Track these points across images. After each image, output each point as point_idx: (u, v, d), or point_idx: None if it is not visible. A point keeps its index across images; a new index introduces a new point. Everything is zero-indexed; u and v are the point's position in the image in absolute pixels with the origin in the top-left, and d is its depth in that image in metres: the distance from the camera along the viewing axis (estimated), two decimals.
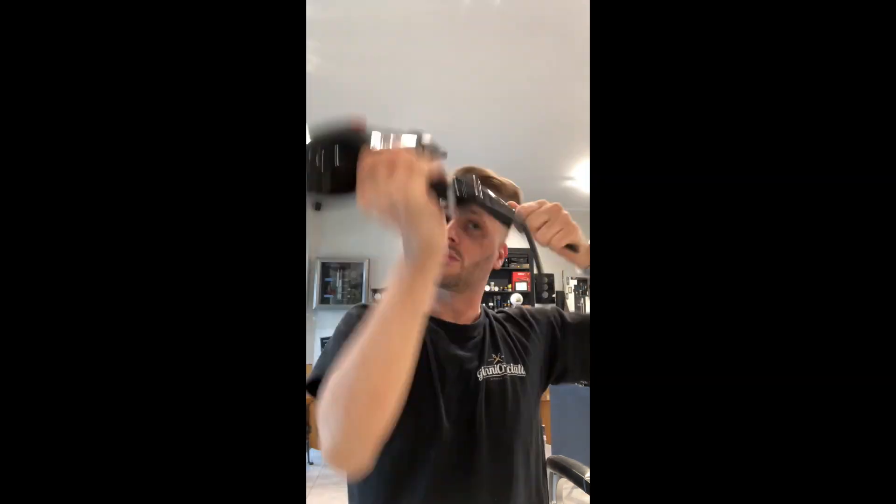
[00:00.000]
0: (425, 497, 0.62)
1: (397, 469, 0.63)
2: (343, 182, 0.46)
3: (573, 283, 5.10)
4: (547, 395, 3.26)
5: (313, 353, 4.29)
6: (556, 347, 0.80)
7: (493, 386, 0.71)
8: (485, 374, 0.71)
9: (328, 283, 4.65)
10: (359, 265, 4.70)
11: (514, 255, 5.08)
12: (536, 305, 0.89)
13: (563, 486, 2.88)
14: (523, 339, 0.79)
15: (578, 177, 4.23)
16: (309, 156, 0.45)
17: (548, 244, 0.69)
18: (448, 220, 0.69)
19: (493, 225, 0.71)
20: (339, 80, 2.60)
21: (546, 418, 3.13)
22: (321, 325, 4.55)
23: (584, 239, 0.70)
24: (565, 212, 0.69)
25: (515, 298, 4.81)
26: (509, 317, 0.82)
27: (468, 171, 0.70)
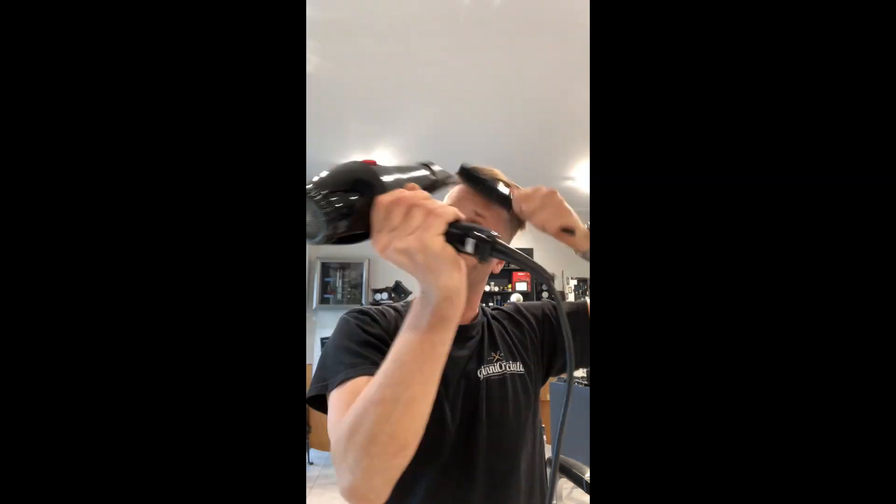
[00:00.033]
0: (428, 497, 0.62)
1: (406, 475, 0.63)
2: (357, 224, 0.44)
3: (573, 283, 5.10)
4: (547, 395, 3.27)
5: (313, 353, 4.29)
6: (555, 339, 0.80)
7: (494, 385, 0.71)
8: (485, 374, 0.71)
9: (328, 283, 4.65)
10: (359, 265, 4.70)
11: None
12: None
13: (563, 486, 2.88)
14: (521, 336, 0.79)
15: (578, 177, 4.23)
16: (318, 198, 0.42)
17: (542, 228, 0.69)
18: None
19: (496, 228, 0.71)
20: (339, 80, 2.60)
21: (546, 418, 3.13)
22: (321, 325, 4.55)
23: (580, 222, 0.70)
24: (560, 197, 0.69)
25: (515, 298, 4.82)
26: (506, 314, 0.83)
27: (475, 169, 0.70)
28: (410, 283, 4.17)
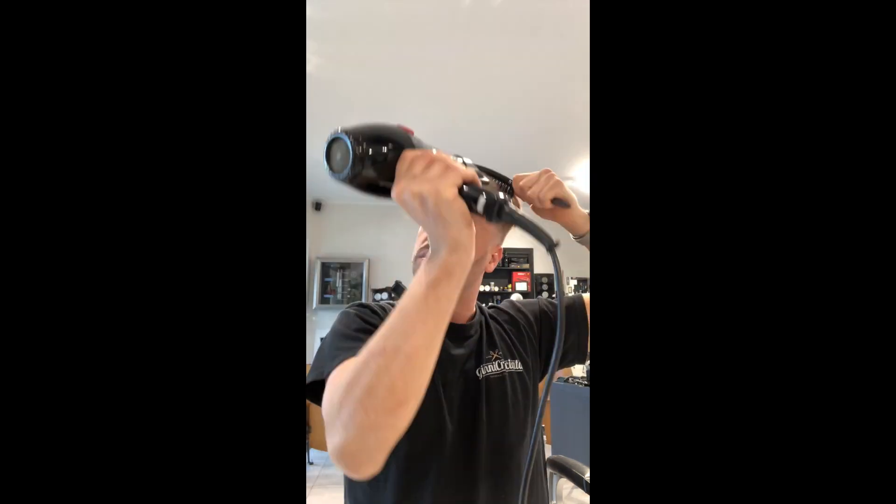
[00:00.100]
0: (430, 497, 0.62)
1: (404, 474, 0.63)
2: (383, 174, 0.47)
3: (573, 282, 5.10)
4: (547, 395, 3.26)
5: (313, 353, 4.28)
6: (553, 335, 0.80)
7: (493, 384, 0.71)
8: (484, 373, 0.71)
9: (328, 283, 4.66)
10: (359, 265, 4.70)
11: (514, 256, 5.08)
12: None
13: (563, 486, 2.88)
14: (518, 334, 0.79)
15: (578, 177, 4.24)
16: (351, 139, 0.45)
17: (537, 201, 0.70)
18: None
19: (485, 226, 0.70)
20: (339, 80, 2.60)
21: (546, 418, 3.13)
22: (321, 325, 4.55)
23: (573, 194, 0.71)
24: (554, 174, 0.70)
25: (515, 298, 4.81)
26: (503, 312, 0.83)
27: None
28: (408, 281, 4.16)
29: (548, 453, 0.83)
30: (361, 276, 4.68)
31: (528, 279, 5.05)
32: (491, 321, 0.79)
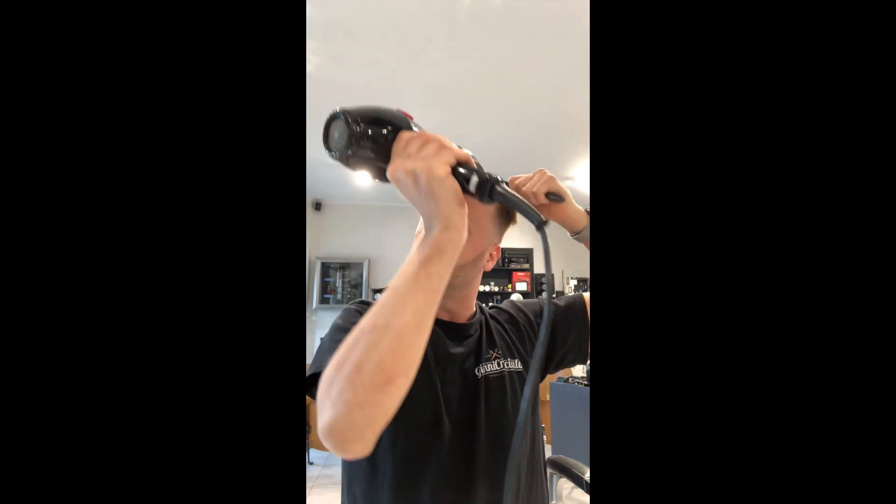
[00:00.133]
0: (429, 497, 0.62)
1: (402, 472, 0.63)
2: (379, 155, 0.49)
3: (573, 282, 5.11)
4: (547, 395, 3.27)
5: (313, 353, 4.28)
6: (554, 335, 0.79)
7: (492, 383, 0.71)
8: (483, 372, 0.71)
9: (328, 283, 4.66)
10: (359, 265, 4.70)
11: (514, 256, 5.08)
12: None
13: (563, 486, 2.88)
14: (519, 333, 0.79)
15: (578, 177, 4.24)
16: (350, 119, 0.47)
17: (532, 196, 0.70)
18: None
19: (480, 227, 0.70)
20: (339, 80, 2.60)
21: (546, 418, 3.13)
22: (321, 325, 4.55)
23: (565, 191, 0.71)
24: (547, 172, 0.70)
25: (515, 298, 4.81)
26: (503, 312, 0.83)
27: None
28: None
29: (548, 453, 0.83)
30: (361, 276, 4.68)
31: (528, 279, 5.05)
32: (491, 321, 0.79)
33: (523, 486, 0.69)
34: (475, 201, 0.69)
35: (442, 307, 0.75)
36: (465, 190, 0.49)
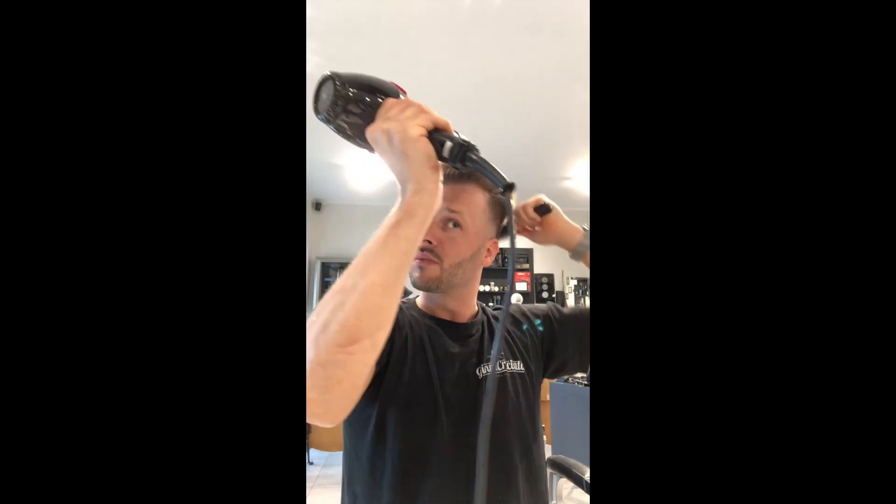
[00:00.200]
0: (430, 498, 0.62)
1: (401, 471, 0.63)
2: (367, 119, 0.49)
3: (573, 282, 5.11)
4: (547, 395, 3.27)
5: None
6: (554, 341, 0.80)
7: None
8: (484, 372, 0.71)
9: (328, 283, 4.66)
10: None
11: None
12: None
13: (563, 486, 2.88)
14: (521, 335, 0.79)
15: (577, 177, 4.24)
16: (339, 83, 0.48)
17: (521, 210, 0.74)
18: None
19: (474, 222, 0.70)
20: None
21: (546, 418, 3.14)
22: None
23: (555, 206, 0.74)
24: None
25: (515, 298, 4.82)
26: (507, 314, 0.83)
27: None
28: (407, 283, 4.16)
29: (548, 453, 0.83)
30: None
31: (528, 279, 5.05)
32: (494, 322, 0.79)
33: (523, 486, 0.69)
34: (471, 198, 0.70)
35: (442, 307, 0.75)
36: (440, 156, 0.49)
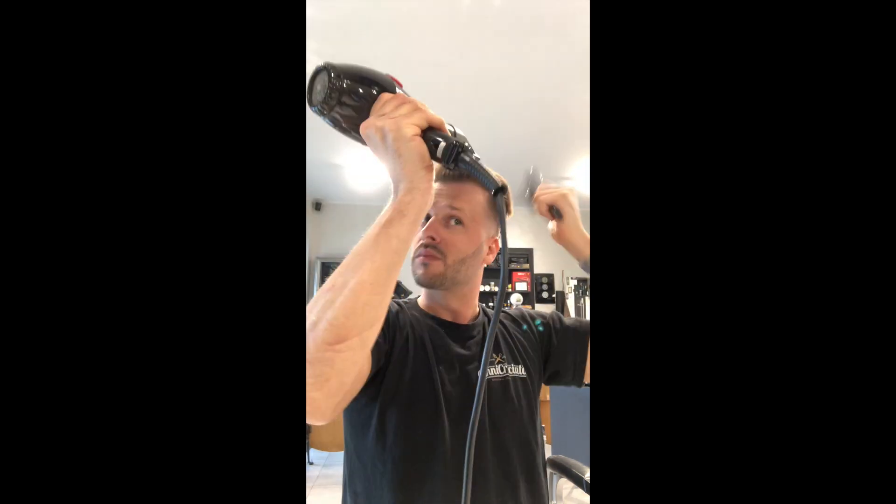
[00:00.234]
0: (430, 498, 0.62)
1: (401, 470, 0.63)
2: (360, 111, 0.49)
3: (573, 282, 5.10)
4: (547, 395, 3.27)
5: None
6: (550, 349, 0.80)
7: (495, 387, 0.70)
8: (486, 376, 0.70)
9: None
10: None
11: (514, 256, 5.08)
12: (537, 307, 0.89)
13: (563, 486, 2.88)
14: (522, 339, 0.79)
15: (577, 177, 4.24)
16: (334, 74, 0.47)
17: (535, 200, 0.73)
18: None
19: (476, 219, 0.70)
20: None
21: (546, 418, 3.13)
22: None
23: (571, 212, 0.72)
24: (571, 194, 0.73)
25: (515, 298, 4.82)
26: (509, 316, 0.82)
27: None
28: (409, 283, 4.16)
29: (548, 453, 0.82)
30: None
31: (528, 279, 5.05)
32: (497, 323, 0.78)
33: (524, 490, 0.69)
34: (473, 195, 0.70)
35: (444, 306, 0.75)
36: (433, 155, 0.49)
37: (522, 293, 4.96)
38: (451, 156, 0.49)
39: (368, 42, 2.32)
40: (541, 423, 0.77)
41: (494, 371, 0.72)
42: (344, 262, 0.46)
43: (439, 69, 2.57)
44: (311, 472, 3.57)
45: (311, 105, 0.49)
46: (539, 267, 5.16)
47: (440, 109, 0.50)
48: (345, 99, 0.48)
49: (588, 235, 0.72)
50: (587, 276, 0.74)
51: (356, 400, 0.66)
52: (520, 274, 5.04)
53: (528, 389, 0.74)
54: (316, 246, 4.74)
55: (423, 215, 0.49)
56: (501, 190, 0.48)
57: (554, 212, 0.73)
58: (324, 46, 2.32)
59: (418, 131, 0.48)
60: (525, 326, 0.81)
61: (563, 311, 4.18)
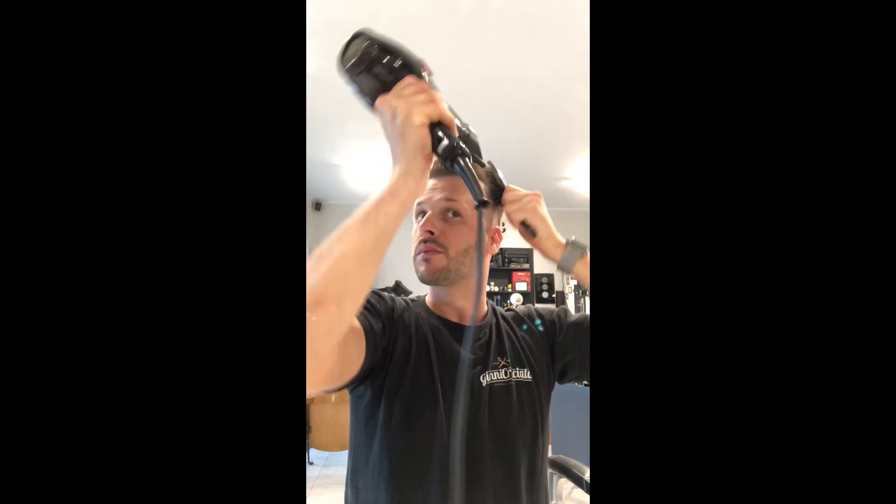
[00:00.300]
0: (430, 497, 0.62)
1: (401, 469, 0.62)
2: (384, 83, 0.51)
3: (573, 282, 5.10)
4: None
5: None
6: (555, 346, 0.78)
7: (497, 392, 0.69)
8: (488, 380, 0.69)
9: None
10: None
11: (514, 256, 5.08)
12: (538, 305, 0.88)
13: (563, 486, 2.88)
14: (529, 340, 0.77)
15: (576, 177, 4.24)
16: (367, 45, 0.49)
17: (509, 218, 0.72)
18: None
19: (474, 210, 0.70)
20: (339, 80, 2.59)
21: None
22: None
23: (553, 229, 0.71)
24: (540, 201, 0.71)
25: (515, 298, 4.82)
26: (517, 315, 0.81)
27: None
28: (410, 283, 4.17)
29: (548, 453, 0.82)
30: None
31: (528, 279, 5.05)
32: (503, 323, 0.77)
33: (525, 495, 0.69)
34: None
35: (450, 305, 0.73)
36: (434, 149, 0.51)
37: (522, 293, 4.96)
38: (448, 155, 0.50)
39: None
40: (548, 427, 0.76)
41: (498, 375, 0.70)
42: (331, 236, 0.47)
43: (439, 69, 2.56)
44: (311, 472, 3.57)
45: (342, 66, 0.51)
46: (539, 267, 5.16)
47: None
48: (374, 68, 0.50)
49: (563, 241, 0.71)
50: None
51: (361, 395, 0.65)
52: (520, 274, 5.04)
53: (533, 393, 0.72)
54: (316, 246, 4.74)
55: (414, 200, 0.51)
56: (483, 203, 0.49)
57: (528, 229, 0.72)
58: (324, 46, 2.31)
59: (427, 122, 0.50)
60: (525, 326, 0.80)
61: None
